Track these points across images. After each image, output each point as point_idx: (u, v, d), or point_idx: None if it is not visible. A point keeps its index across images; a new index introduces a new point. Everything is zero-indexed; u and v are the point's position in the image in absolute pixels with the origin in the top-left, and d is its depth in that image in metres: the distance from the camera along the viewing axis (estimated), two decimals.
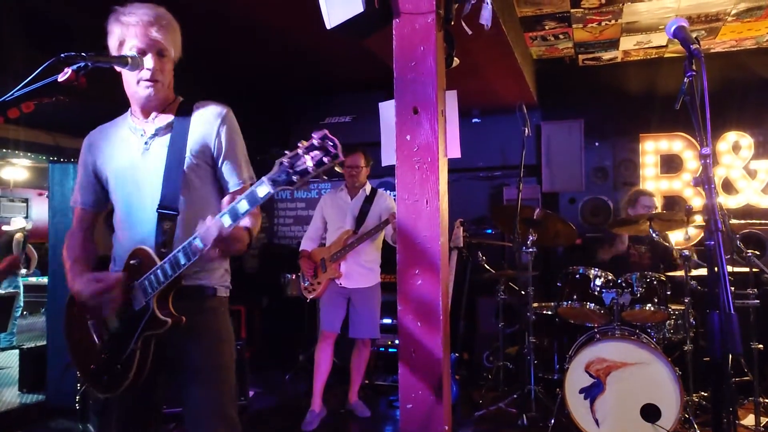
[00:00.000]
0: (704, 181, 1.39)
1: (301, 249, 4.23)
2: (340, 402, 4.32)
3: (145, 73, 1.81)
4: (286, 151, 1.51)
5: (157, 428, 2.00)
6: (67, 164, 4.69)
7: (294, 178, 1.51)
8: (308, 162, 1.48)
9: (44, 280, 7.37)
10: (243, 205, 1.61)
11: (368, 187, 4.26)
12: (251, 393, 4.47)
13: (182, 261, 1.70)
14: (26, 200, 12.70)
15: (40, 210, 11.16)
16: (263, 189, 1.57)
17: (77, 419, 4.06)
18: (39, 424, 4.35)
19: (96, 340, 1.89)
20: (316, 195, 6.23)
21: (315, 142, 1.48)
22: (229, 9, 3.86)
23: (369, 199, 4.20)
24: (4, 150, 4.50)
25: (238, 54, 4.82)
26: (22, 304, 7.33)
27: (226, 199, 1.74)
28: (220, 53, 4.70)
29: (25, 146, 4.46)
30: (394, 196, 6.37)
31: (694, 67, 1.54)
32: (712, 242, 1.32)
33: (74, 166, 4.68)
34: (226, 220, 1.63)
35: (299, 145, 1.50)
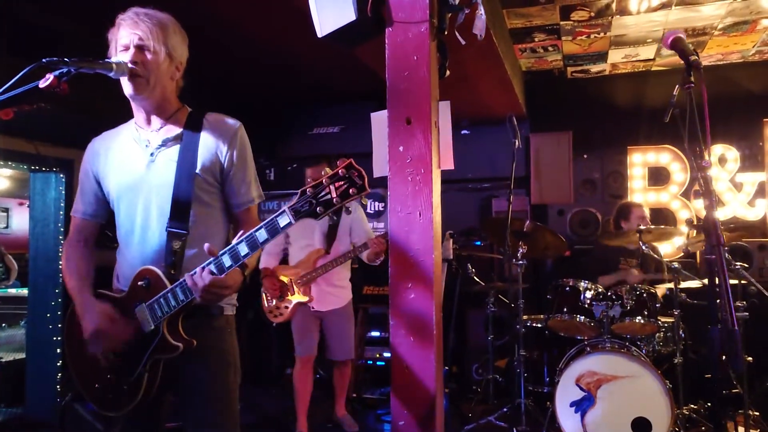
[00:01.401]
0: (704, 194, 1.36)
1: (262, 266, 3.87)
2: (327, 416, 4.24)
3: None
4: (309, 179, 1.48)
5: None
6: (49, 173, 4.60)
7: (318, 209, 1.48)
8: (332, 193, 1.46)
9: (24, 291, 7.20)
10: (262, 234, 1.56)
11: None
12: None
13: (184, 295, 1.64)
14: (6, 210, 12.45)
15: (20, 220, 10.94)
16: (284, 219, 1.52)
17: None
18: None
19: (101, 359, 1.81)
20: None
21: (340, 171, 1.45)
22: (214, 18, 3.81)
23: (336, 212, 3.98)
24: None
25: (224, 63, 4.77)
26: None
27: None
28: (205, 63, 4.64)
29: (5, 155, 4.35)
30: (381, 207, 6.23)
31: (692, 79, 1.52)
32: (713, 256, 1.30)
33: (56, 175, 4.59)
34: (243, 249, 1.58)
35: (323, 173, 1.47)
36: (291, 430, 3.89)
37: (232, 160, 1.82)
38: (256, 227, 1.57)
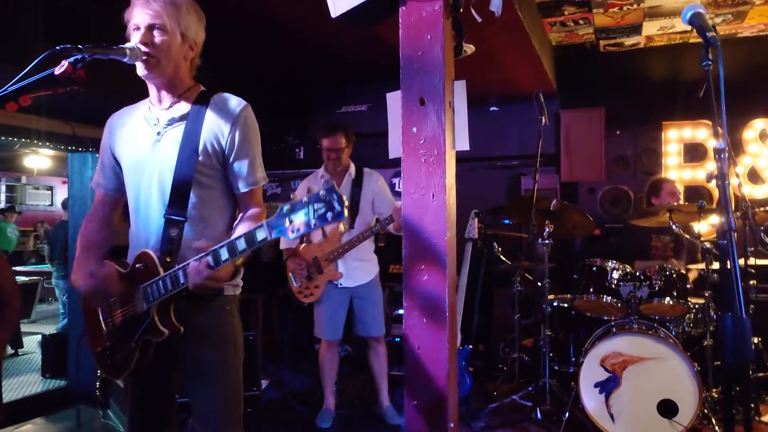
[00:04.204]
0: (718, 177, 1.31)
1: (283, 247, 3.78)
2: (355, 392, 4.30)
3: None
4: (292, 195, 1.44)
5: (173, 419, 2.00)
6: (86, 153, 4.74)
7: (292, 230, 1.43)
8: (310, 214, 1.39)
9: None
10: (241, 244, 1.56)
11: (353, 169, 3.80)
12: (264, 383, 4.48)
13: (181, 280, 1.67)
14: (51, 188, 12.93)
15: (64, 197, 11.35)
16: (261, 233, 1.51)
17: (98, 405, 4.12)
18: (61, 410, 4.39)
19: (103, 325, 1.89)
20: None
21: (321, 193, 1.38)
22: None
23: (357, 183, 3.76)
24: (25, 140, 4.57)
25: (254, 43, 4.79)
26: None
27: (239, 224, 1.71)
28: (237, 42, 4.68)
29: (46, 136, 4.51)
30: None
31: (710, 57, 1.46)
32: (725, 242, 1.26)
33: (93, 155, 4.73)
34: (224, 254, 1.59)
35: (308, 190, 1.42)
36: (319, 406, 3.96)
37: (234, 141, 1.79)
38: (236, 236, 1.57)
